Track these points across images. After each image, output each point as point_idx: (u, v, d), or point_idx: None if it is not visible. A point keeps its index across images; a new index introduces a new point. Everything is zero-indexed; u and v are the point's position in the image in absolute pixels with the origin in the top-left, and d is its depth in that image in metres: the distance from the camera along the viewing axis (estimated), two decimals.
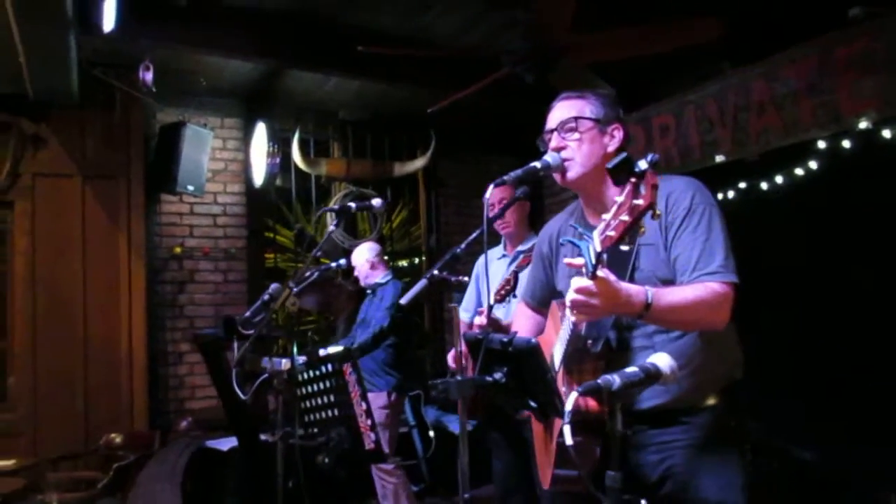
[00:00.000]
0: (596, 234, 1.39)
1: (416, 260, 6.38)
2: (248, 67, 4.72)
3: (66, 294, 4.47)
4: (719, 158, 4.44)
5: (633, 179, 1.34)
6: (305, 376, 2.61)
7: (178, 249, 5.01)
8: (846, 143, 3.82)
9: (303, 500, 2.51)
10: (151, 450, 4.19)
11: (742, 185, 4.49)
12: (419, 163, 5.82)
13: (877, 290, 3.58)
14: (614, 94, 1.98)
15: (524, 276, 3.24)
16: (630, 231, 1.35)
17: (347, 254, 4.60)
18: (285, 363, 2.58)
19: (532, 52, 3.70)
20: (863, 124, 3.64)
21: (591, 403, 1.59)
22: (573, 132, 1.86)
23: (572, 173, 1.85)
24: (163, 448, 4.23)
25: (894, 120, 3.61)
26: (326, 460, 2.43)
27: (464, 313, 3.37)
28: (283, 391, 2.59)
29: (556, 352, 1.76)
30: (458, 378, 1.61)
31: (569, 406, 1.18)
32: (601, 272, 1.41)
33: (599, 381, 1.26)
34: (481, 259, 3.51)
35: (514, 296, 2.85)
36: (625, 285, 1.54)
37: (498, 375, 1.67)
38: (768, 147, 4.13)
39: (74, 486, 3.66)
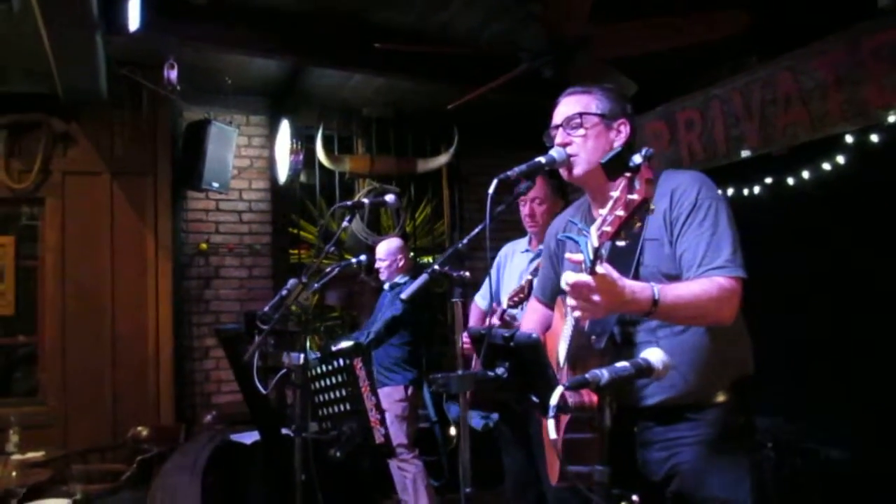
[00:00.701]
0: (593, 230, 1.38)
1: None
2: (272, 65, 4.77)
3: (94, 289, 4.58)
4: (745, 153, 4.36)
5: (627, 174, 1.33)
6: (318, 371, 2.64)
7: (203, 246, 5.09)
8: (874, 138, 3.72)
9: (315, 494, 2.53)
10: (177, 443, 4.27)
11: (768, 180, 4.41)
12: (442, 159, 5.82)
13: None
14: (621, 90, 1.95)
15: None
16: (626, 226, 1.35)
17: (370, 250, 4.62)
18: (300, 358, 2.60)
19: (549, 47, 3.68)
20: (892, 118, 3.54)
21: (594, 398, 1.57)
22: (578, 128, 1.86)
23: (578, 169, 1.85)
24: (187, 441, 4.31)
25: None
26: (338, 454, 2.45)
27: (480, 300, 3.36)
28: (300, 386, 2.62)
29: (560, 348, 1.76)
30: (459, 372, 1.60)
31: (553, 401, 1.17)
32: (600, 268, 1.39)
33: (587, 375, 1.25)
34: (505, 249, 3.51)
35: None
36: (629, 282, 1.51)
37: (500, 370, 1.66)
38: (795, 141, 4.04)
39: (101, 478, 3.74)
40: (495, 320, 3.00)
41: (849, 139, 3.84)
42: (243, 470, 4.09)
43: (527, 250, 3.35)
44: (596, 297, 1.42)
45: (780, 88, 4.11)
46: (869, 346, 3.65)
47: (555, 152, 1.87)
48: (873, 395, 3.57)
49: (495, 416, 5.31)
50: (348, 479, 4.15)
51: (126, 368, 4.61)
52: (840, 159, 3.90)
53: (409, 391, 4.06)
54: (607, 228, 1.36)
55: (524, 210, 3.28)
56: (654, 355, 1.34)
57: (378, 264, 4.26)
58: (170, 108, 4.83)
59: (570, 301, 1.47)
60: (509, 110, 5.51)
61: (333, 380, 2.58)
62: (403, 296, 1.75)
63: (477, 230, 1.80)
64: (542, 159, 1.84)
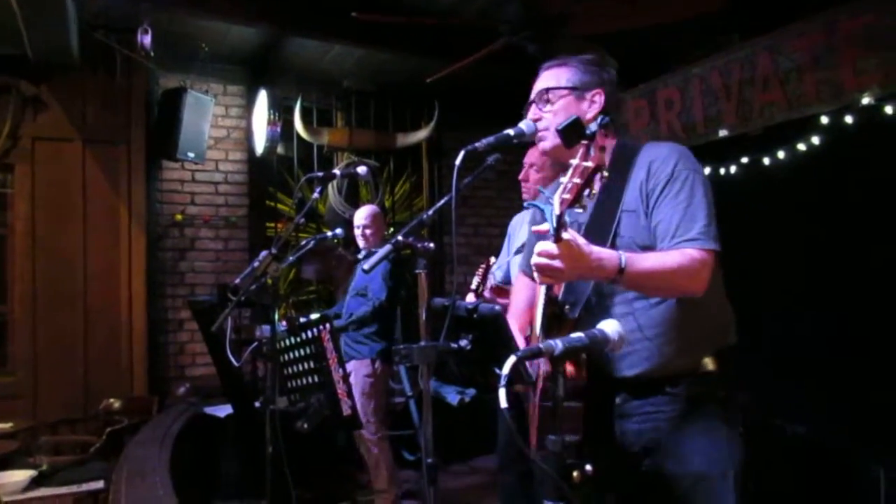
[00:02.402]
0: (556, 198, 1.39)
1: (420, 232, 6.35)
2: (251, 33, 4.69)
3: (66, 259, 4.51)
4: (723, 133, 4.37)
5: (584, 142, 1.35)
6: (286, 343, 2.62)
7: (179, 217, 5.04)
8: (849, 119, 3.74)
9: (290, 465, 2.53)
10: (150, 415, 4.24)
11: (745, 159, 4.43)
12: (422, 134, 5.77)
13: (878, 266, 3.53)
14: (599, 58, 1.91)
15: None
16: (582, 193, 1.36)
17: (348, 223, 4.59)
18: (268, 330, 2.58)
19: (530, 22, 3.64)
20: (865, 100, 3.57)
21: (570, 368, 1.57)
22: (548, 103, 1.85)
23: (546, 143, 1.85)
24: (160, 413, 4.29)
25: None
26: (305, 426, 2.45)
27: (497, 272, 3.32)
28: (269, 358, 2.61)
29: (537, 318, 1.75)
30: (421, 344, 1.60)
31: (505, 370, 1.16)
32: (566, 234, 1.40)
33: (541, 345, 1.25)
34: (514, 220, 3.50)
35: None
36: (596, 249, 1.51)
37: (463, 343, 1.66)
38: (772, 122, 4.07)
39: (70, 450, 3.71)
40: (488, 293, 3.00)
41: (824, 120, 3.86)
42: (216, 443, 4.09)
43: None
44: (558, 264, 1.42)
45: (759, 69, 4.12)
46: (836, 322, 3.70)
47: (524, 125, 1.86)
48: (839, 371, 3.63)
49: (471, 391, 5.36)
50: (319, 452, 4.16)
51: (98, 340, 4.57)
52: (815, 139, 3.92)
53: (377, 365, 4.00)
54: (566, 196, 1.37)
55: (521, 175, 3.27)
56: (609, 326, 1.34)
57: (361, 231, 4.20)
58: (145, 75, 4.74)
59: (533, 266, 1.46)
60: (490, 85, 5.46)
61: (301, 352, 2.57)
62: (366, 266, 1.73)
63: (442, 202, 1.79)
64: (510, 132, 1.83)
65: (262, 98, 5.13)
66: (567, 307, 1.71)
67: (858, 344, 3.56)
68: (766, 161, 4.28)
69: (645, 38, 4.15)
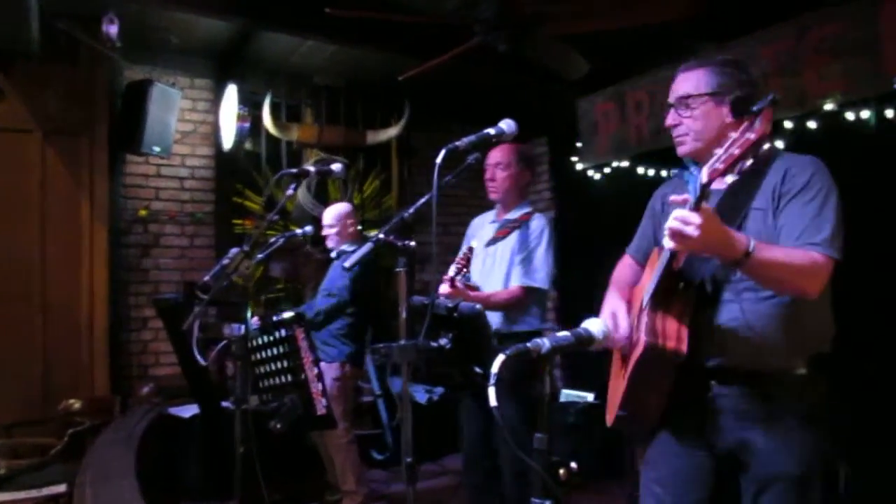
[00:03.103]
0: (705, 168, 1.45)
1: None
2: (221, 26, 4.61)
3: (23, 254, 4.36)
4: None
5: (750, 117, 1.41)
6: (259, 342, 2.58)
7: (143, 212, 4.93)
8: (812, 124, 3.84)
9: (259, 466, 2.49)
10: (112, 416, 4.14)
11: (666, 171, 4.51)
12: (393, 131, 5.75)
13: (840, 269, 3.61)
14: (734, 60, 1.91)
15: (498, 249, 3.25)
16: (736, 164, 1.42)
17: (317, 221, 4.54)
18: (241, 329, 2.53)
19: (504, 22, 3.64)
20: (828, 106, 3.66)
21: (669, 342, 1.63)
22: (687, 109, 1.86)
23: (685, 148, 1.89)
24: (123, 414, 4.19)
25: (858, 102, 3.63)
26: (279, 426, 2.41)
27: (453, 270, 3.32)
28: (240, 357, 2.56)
29: (647, 289, 1.79)
30: (401, 343, 1.58)
31: (494, 369, 1.16)
32: (705, 205, 1.45)
33: (529, 344, 1.25)
34: (475, 221, 3.53)
35: (467, 272, 2.86)
36: (729, 228, 1.56)
37: (443, 341, 1.65)
38: None
39: (29, 453, 3.60)
40: (447, 289, 2.96)
41: (788, 125, 3.94)
42: (181, 443, 4.02)
43: (493, 221, 3.37)
44: (693, 231, 1.45)
45: None
46: None
47: (504, 124, 1.87)
48: None
49: (439, 389, 5.36)
50: (287, 453, 4.11)
51: (58, 338, 4.43)
52: (779, 143, 3.99)
53: (346, 368, 3.94)
54: (719, 165, 1.42)
55: (486, 175, 3.27)
56: (594, 326, 1.36)
57: (325, 231, 4.16)
58: (109, 66, 4.62)
59: (668, 232, 1.50)
60: (463, 84, 5.48)
61: (274, 351, 2.52)
62: (347, 264, 1.72)
63: (423, 200, 1.78)
64: (491, 131, 1.84)
65: (231, 92, 5.05)
66: (681, 284, 1.75)
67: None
68: None
69: (616, 40, 4.20)
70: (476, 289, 3.14)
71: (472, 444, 3.27)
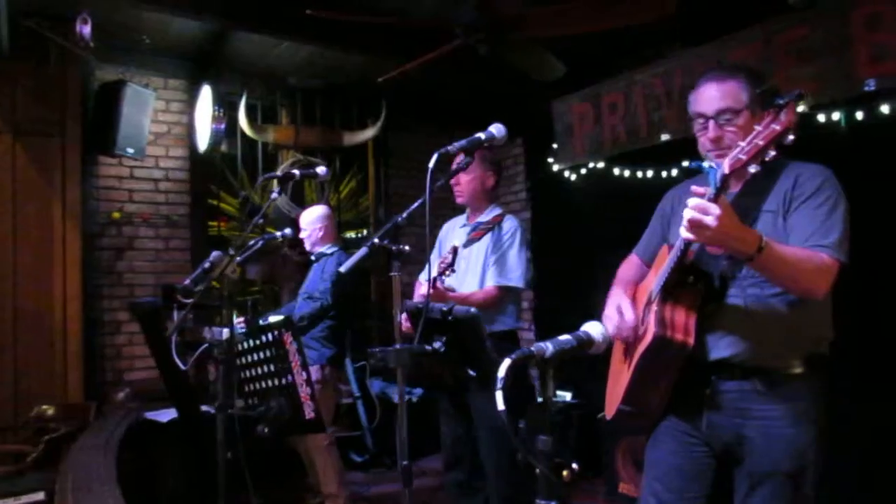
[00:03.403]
0: (726, 160, 1.47)
1: (365, 231, 6.33)
2: (195, 27, 4.55)
3: None
4: (665, 137, 4.51)
5: (774, 109, 1.43)
6: (245, 346, 2.57)
7: (116, 214, 4.85)
8: None
9: (242, 471, 2.48)
10: (87, 422, 4.07)
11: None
12: (369, 133, 5.75)
13: None
14: (751, 70, 1.96)
15: (472, 251, 3.29)
16: (761, 155, 1.43)
17: (294, 223, 4.52)
18: (226, 332, 2.52)
19: (483, 24, 3.67)
20: (799, 108, 3.73)
21: (679, 336, 1.65)
22: (729, 122, 1.85)
23: (730, 161, 1.80)
24: (98, 420, 4.12)
25: (829, 105, 3.70)
26: (266, 430, 2.40)
27: (423, 278, 3.35)
28: (224, 361, 2.54)
29: (655, 282, 1.83)
30: (396, 346, 1.59)
31: (501, 373, 1.18)
32: (723, 197, 1.48)
33: (533, 348, 1.27)
34: (446, 225, 3.56)
35: (454, 271, 2.88)
36: (742, 224, 1.60)
37: (437, 344, 1.67)
38: None
39: (2, 460, 3.53)
40: (423, 290, 3.00)
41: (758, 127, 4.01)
42: (160, 449, 3.96)
43: (464, 225, 3.41)
44: (710, 221, 1.48)
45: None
46: None
47: (494, 129, 1.88)
48: None
49: (418, 391, 5.37)
50: (267, 457, 4.09)
51: (30, 343, 4.33)
52: None
53: (326, 371, 3.94)
54: (742, 156, 1.43)
55: (452, 179, 3.30)
56: (594, 329, 1.38)
57: (303, 233, 4.15)
58: (81, 67, 4.53)
59: (686, 222, 1.52)
60: (439, 86, 5.49)
61: (262, 354, 2.51)
62: (342, 269, 1.72)
63: (416, 204, 1.79)
64: (481, 135, 1.86)
65: (206, 93, 4.99)
66: (691, 277, 1.78)
67: None
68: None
69: (591, 43, 4.24)
70: (452, 290, 3.19)
71: (452, 444, 3.31)
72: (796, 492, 1.76)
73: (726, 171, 1.46)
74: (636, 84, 4.71)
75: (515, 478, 3.06)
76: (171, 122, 5.11)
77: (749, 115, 1.84)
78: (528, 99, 5.51)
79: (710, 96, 1.89)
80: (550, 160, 5.66)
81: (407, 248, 1.71)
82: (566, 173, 5.53)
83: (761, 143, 1.42)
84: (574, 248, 5.36)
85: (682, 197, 1.99)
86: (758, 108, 1.83)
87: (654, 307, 1.75)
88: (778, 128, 1.41)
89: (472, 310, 1.61)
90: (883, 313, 3.43)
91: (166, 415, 4.04)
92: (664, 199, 2.18)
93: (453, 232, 3.48)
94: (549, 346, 1.28)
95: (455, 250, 2.87)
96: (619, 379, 1.88)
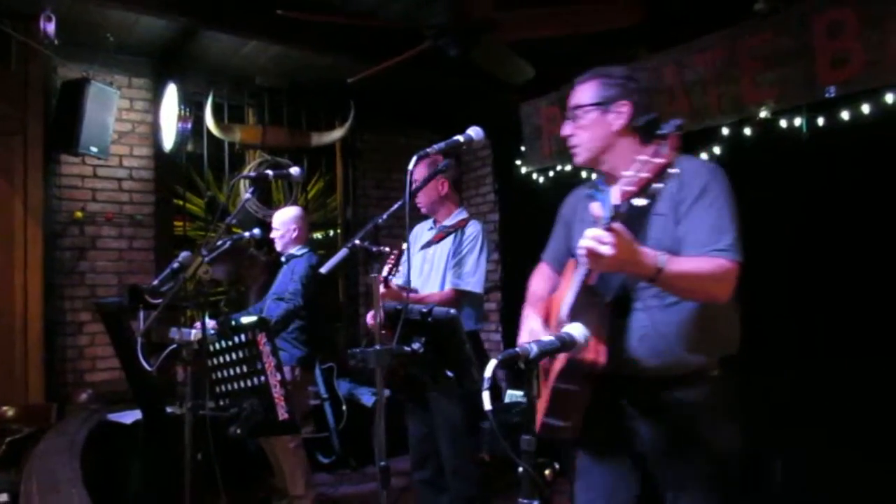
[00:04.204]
0: (615, 189, 1.48)
1: (332, 232, 6.31)
2: (161, 25, 4.49)
3: None
4: None
5: (657, 140, 1.43)
6: (217, 346, 2.55)
7: (79, 214, 4.76)
8: (747, 131, 4.01)
9: (213, 473, 2.46)
10: (48, 423, 4.00)
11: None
12: (337, 134, 5.73)
13: (773, 272, 3.78)
14: (624, 70, 1.99)
15: (435, 253, 3.33)
16: (649, 186, 1.44)
17: (261, 224, 4.49)
18: (195, 333, 2.50)
19: (454, 27, 3.69)
20: (763, 113, 3.85)
21: (590, 355, 1.66)
22: (577, 119, 1.95)
23: (579, 158, 1.97)
24: (60, 421, 4.05)
25: (791, 110, 3.79)
26: (238, 431, 2.39)
27: (399, 278, 3.37)
28: (193, 362, 2.52)
29: (564, 303, 1.83)
30: (376, 347, 1.61)
31: (487, 373, 1.20)
32: (616, 225, 1.48)
33: (518, 349, 1.30)
34: (416, 228, 3.60)
35: (398, 271, 2.92)
36: (640, 246, 1.61)
37: (416, 345, 1.68)
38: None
39: None
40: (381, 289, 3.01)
41: (725, 131, 4.12)
42: (124, 450, 3.90)
43: (431, 228, 3.47)
44: (606, 250, 1.49)
45: (666, 80, 4.35)
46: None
47: (472, 131, 1.92)
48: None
49: (385, 392, 5.37)
50: (232, 458, 4.05)
51: None
52: (716, 149, 4.17)
53: (296, 372, 3.93)
54: (629, 188, 1.44)
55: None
56: (576, 330, 1.41)
57: (274, 234, 4.13)
58: (43, 64, 4.44)
59: (581, 249, 1.53)
60: (409, 87, 5.50)
61: (234, 355, 2.50)
62: (323, 270, 1.72)
63: (396, 206, 1.81)
64: (459, 138, 1.89)
65: (171, 92, 4.93)
66: (595, 297, 1.80)
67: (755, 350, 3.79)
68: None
69: (559, 46, 4.30)
70: (413, 290, 3.25)
71: (418, 443, 3.37)
72: (718, 491, 1.81)
73: (616, 202, 1.48)
74: None
75: (474, 477, 3.13)
76: (136, 120, 5.04)
77: (598, 114, 1.91)
78: (496, 101, 5.56)
79: (571, 99, 2.01)
80: (518, 162, 5.72)
81: (387, 249, 1.73)
82: (534, 175, 5.59)
83: (648, 175, 1.43)
84: (541, 250, 5.41)
85: (578, 205, 2.10)
86: (615, 107, 1.90)
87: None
88: (661, 161, 1.42)
89: (452, 311, 1.63)
90: (849, 314, 3.51)
91: (130, 416, 3.98)
92: (564, 204, 2.23)
93: (422, 235, 3.53)
94: (533, 347, 1.31)
95: (401, 251, 2.91)
96: (543, 395, 1.91)
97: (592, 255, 1.52)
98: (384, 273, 2.90)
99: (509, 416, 4.93)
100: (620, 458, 1.93)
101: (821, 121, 3.71)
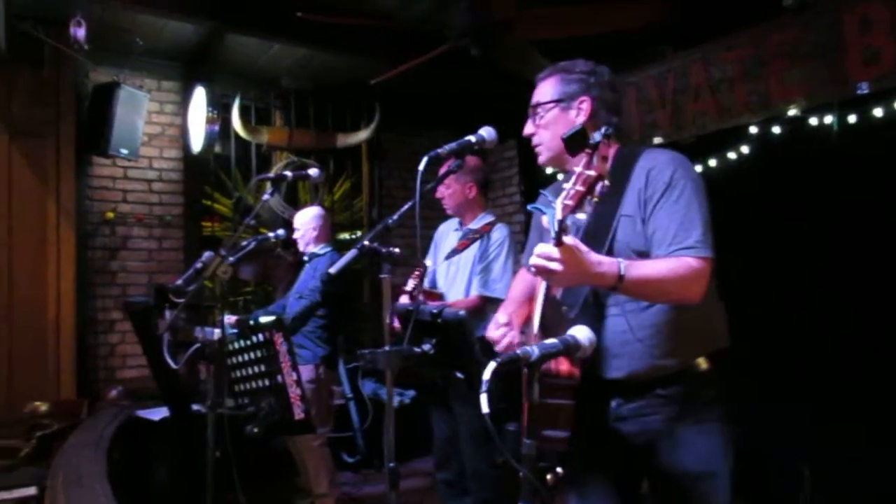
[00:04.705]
0: (558, 202, 1.40)
1: (358, 233, 6.34)
2: (189, 29, 4.58)
3: None
4: (657, 140, 4.53)
5: (588, 150, 1.37)
6: (236, 346, 2.58)
7: (110, 215, 4.87)
8: (776, 129, 3.94)
9: (230, 470, 2.49)
10: (79, 419, 4.08)
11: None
12: (363, 135, 5.76)
13: (804, 271, 3.71)
14: (585, 65, 1.90)
15: (460, 259, 3.32)
16: (584, 200, 1.38)
17: (287, 224, 4.53)
18: (217, 332, 2.54)
19: (476, 27, 3.69)
20: (791, 111, 3.77)
21: (563, 367, 1.59)
22: (537, 117, 1.89)
23: (542, 158, 1.91)
24: (90, 417, 4.14)
25: (820, 108, 3.71)
26: (256, 430, 2.42)
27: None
28: (215, 361, 2.56)
29: (535, 314, 1.77)
30: (386, 348, 1.61)
31: (486, 376, 1.19)
32: (568, 239, 1.42)
33: (519, 351, 1.29)
34: (441, 228, 3.60)
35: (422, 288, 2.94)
36: (596, 256, 1.53)
37: (427, 346, 1.68)
38: (704, 130, 4.24)
39: None
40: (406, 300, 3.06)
41: (753, 130, 4.04)
42: (151, 447, 3.97)
43: (457, 229, 3.45)
44: (556, 266, 1.43)
45: (692, 79, 4.29)
46: (754, 327, 3.86)
47: (484, 132, 1.90)
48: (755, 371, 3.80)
49: (410, 392, 5.39)
50: (256, 456, 4.10)
51: (23, 340, 4.36)
52: (744, 149, 4.11)
53: (320, 370, 3.96)
54: (569, 202, 1.38)
55: (437, 194, 3.37)
56: (580, 333, 1.39)
57: (296, 234, 4.17)
58: (74, 68, 4.55)
59: (532, 267, 1.48)
60: (433, 88, 5.51)
61: (252, 355, 2.53)
62: (332, 270, 1.73)
63: (406, 207, 1.81)
64: (471, 138, 1.88)
65: (200, 95, 5.01)
66: (564, 308, 1.73)
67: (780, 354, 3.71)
68: (699, 168, 4.45)
69: (583, 45, 4.26)
70: (440, 296, 3.25)
71: (442, 445, 3.38)
72: (709, 494, 1.73)
73: (559, 217, 1.40)
74: (630, 86, 4.74)
75: (494, 480, 3.12)
76: (165, 123, 5.13)
77: (558, 112, 1.84)
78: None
79: (533, 97, 1.93)
80: None
81: (397, 250, 1.73)
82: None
83: (581, 189, 1.38)
84: None
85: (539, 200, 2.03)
86: (576, 104, 1.83)
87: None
88: (592, 174, 1.37)
89: (461, 312, 1.63)
90: (881, 315, 3.42)
91: (157, 413, 4.04)
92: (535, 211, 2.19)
93: (447, 236, 3.52)
94: (535, 350, 1.29)
95: (424, 269, 2.93)
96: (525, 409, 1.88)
97: (542, 271, 1.47)
98: (409, 286, 2.93)
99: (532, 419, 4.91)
100: (611, 465, 1.86)
101: (852, 118, 3.61)
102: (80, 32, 3.95)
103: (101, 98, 4.53)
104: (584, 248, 1.48)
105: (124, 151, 4.58)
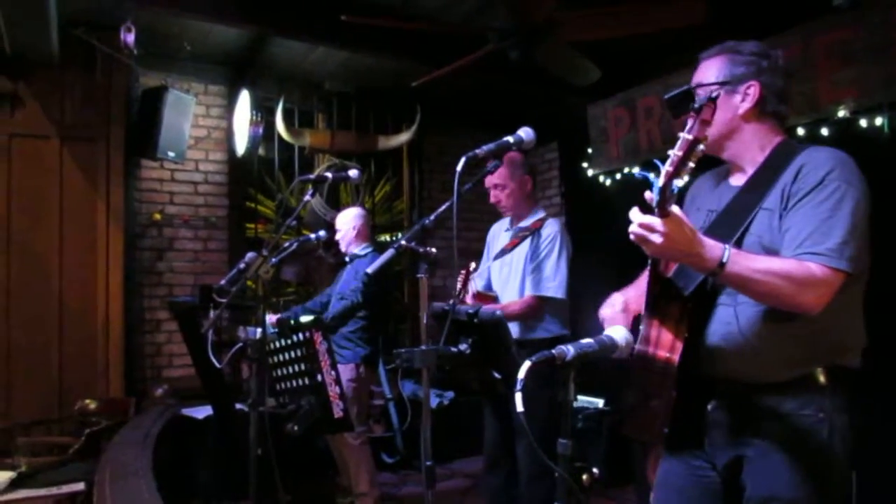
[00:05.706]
0: (663, 169, 1.32)
1: (399, 234, 6.38)
2: (233, 34, 4.66)
3: (41, 258, 4.43)
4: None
5: (692, 114, 1.29)
6: (276, 345, 2.62)
7: (157, 216, 4.99)
8: (825, 131, 3.83)
9: (272, 468, 2.53)
10: (126, 416, 4.19)
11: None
12: (404, 137, 5.79)
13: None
14: (758, 47, 1.74)
15: (512, 258, 3.28)
16: (683, 166, 1.30)
17: (329, 226, 4.59)
18: (258, 332, 2.58)
19: (516, 29, 3.68)
20: (841, 113, 3.67)
21: (662, 353, 1.54)
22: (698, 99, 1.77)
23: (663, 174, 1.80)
24: (137, 415, 4.24)
25: (871, 109, 3.61)
26: (296, 428, 2.45)
27: (478, 280, 3.35)
28: (256, 360, 2.60)
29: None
30: (422, 348, 1.61)
31: (521, 374, 1.18)
32: (674, 209, 1.33)
33: (554, 351, 1.28)
34: (493, 228, 3.58)
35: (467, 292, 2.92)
36: (702, 236, 1.42)
37: (463, 346, 1.68)
38: None
39: (47, 451, 3.66)
40: (469, 299, 3.05)
41: (801, 132, 3.94)
42: (195, 444, 4.05)
43: (508, 229, 3.43)
44: (656, 238, 1.35)
45: None
46: None
47: (522, 132, 1.89)
48: None
49: (450, 394, 5.40)
50: (298, 455, 4.15)
51: (74, 339, 4.49)
52: None
53: (361, 370, 4.00)
54: (669, 168, 1.30)
55: (492, 199, 3.34)
56: (617, 333, 1.38)
57: (337, 235, 4.22)
58: (125, 73, 4.67)
59: (632, 238, 1.40)
60: (474, 90, 5.52)
61: (292, 354, 2.56)
62: (369, 270, 1.75)
63: (443, 207, 1.81)
64: (509, 139, 1.87)
65: (244, 98, 5.10)
66: (674, 290, 1.62)
67: None
68: None
69: (626, 46, 4.22)
70: (494, 298, 3.21)
71: (493, 446, 3.31)
72: None
73: (661, 183, 1.31)
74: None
75: (549, 484, 3.05)
76: (211, 126, 5.24)
77: (723, 93, 1.66)
78: (562, 103, 5.51)
79: (695, 76, 1.79)
80: (585, 165, 5.64)
81: (434, 250, 1.73)
82: (601, 178, 5.50)
83: (680, 154, 1.29)
84: (608, 254, 5.32)
85: (701, 190, 1.92)
86: (742, 88, 1.69)
87: (642, 324, 1.63)
88: (689, 137, 1.28)
89: (498, 312, 1.62)
90: None
91: (202, 411, 4.13)
92: (691, 187, 2.01)
93: (499, 236, 3.50)
94: (570, 350, 1.28)
95: (469, 271, 2.91)
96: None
97: (641, 241, 1.38)
98: (457, 289, 2.92)
99: (574, 420, 4.86)
100: (700, 474, 1.72)
101: None
102: (130, 37, 4.06)
103: (149, 102, 4.65)
104: (687, 222, 1.38)
105: (171, 154, 4.69)
